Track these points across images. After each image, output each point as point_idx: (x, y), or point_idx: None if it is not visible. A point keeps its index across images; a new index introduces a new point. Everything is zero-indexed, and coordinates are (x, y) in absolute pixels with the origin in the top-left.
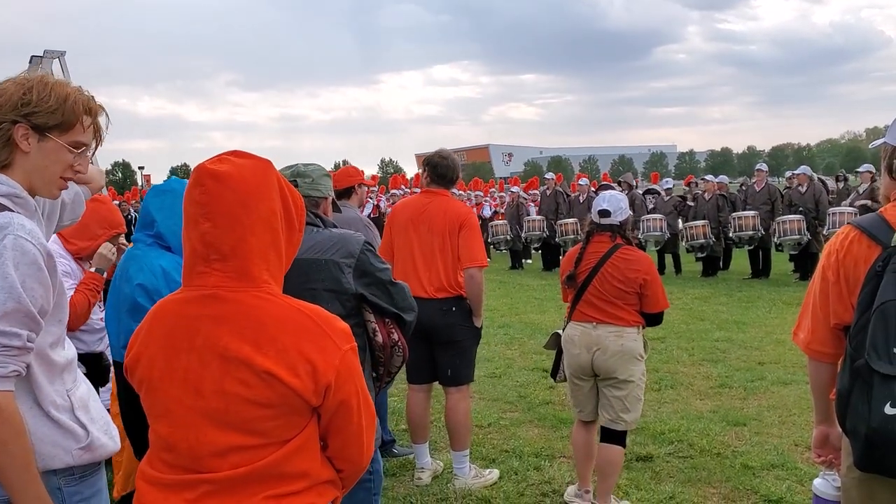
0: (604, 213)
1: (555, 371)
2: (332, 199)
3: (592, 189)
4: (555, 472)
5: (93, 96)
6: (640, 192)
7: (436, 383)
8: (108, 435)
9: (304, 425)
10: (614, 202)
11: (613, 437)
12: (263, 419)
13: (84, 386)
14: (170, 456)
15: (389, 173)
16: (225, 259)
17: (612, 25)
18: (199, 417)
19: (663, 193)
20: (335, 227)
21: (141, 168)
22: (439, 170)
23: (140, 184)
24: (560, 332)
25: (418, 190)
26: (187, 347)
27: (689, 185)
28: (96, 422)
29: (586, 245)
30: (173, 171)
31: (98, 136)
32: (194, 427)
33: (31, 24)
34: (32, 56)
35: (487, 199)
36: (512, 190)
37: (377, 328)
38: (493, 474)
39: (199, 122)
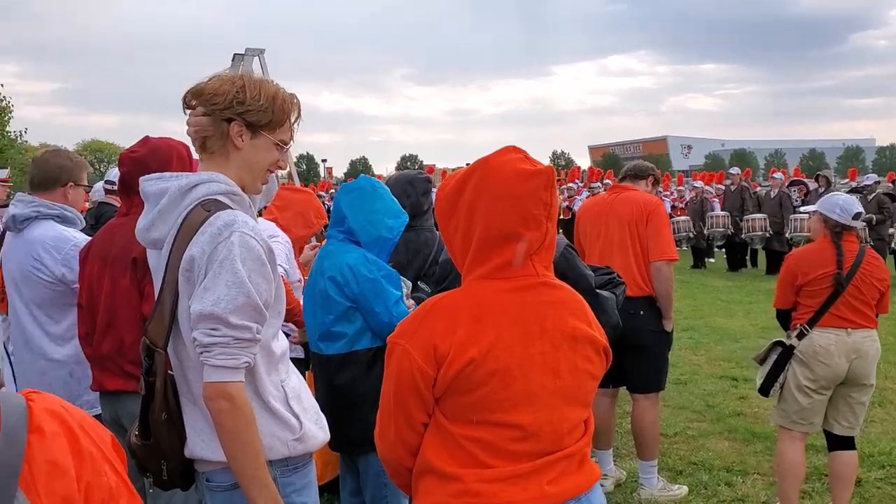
0: (858, 215)
1: (769, 385)
2: None
3: (785, 184)
4: (748, 488)
5: (294, 94)
6: (843, 189)
7: (622, 388)
8: (318, 425)
9: None
10: (855, 203)
11: (845, 443)
12: (593, 391)
13: (295, 377)
14: (527, 445)
15: (561, 166)
16: (541, 252)
17: (801, 11)
18: (558, 398)
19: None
20: None
21: (324, 161)
22: (634, 170)
23: (322, 175)
24: (784, 340)
25: (599, 185)
26: (539, 332)
27: (893, 182)
28: (308, 412)
29: (839, 244)
30: (353, 164)
31: (293, 132)
32: (556, 408)
33: (229, 23)
34: (235, 54)
35: (666, 193)
36: (695, 185)
37: None
38: (682, 490)
39: (376, 116)
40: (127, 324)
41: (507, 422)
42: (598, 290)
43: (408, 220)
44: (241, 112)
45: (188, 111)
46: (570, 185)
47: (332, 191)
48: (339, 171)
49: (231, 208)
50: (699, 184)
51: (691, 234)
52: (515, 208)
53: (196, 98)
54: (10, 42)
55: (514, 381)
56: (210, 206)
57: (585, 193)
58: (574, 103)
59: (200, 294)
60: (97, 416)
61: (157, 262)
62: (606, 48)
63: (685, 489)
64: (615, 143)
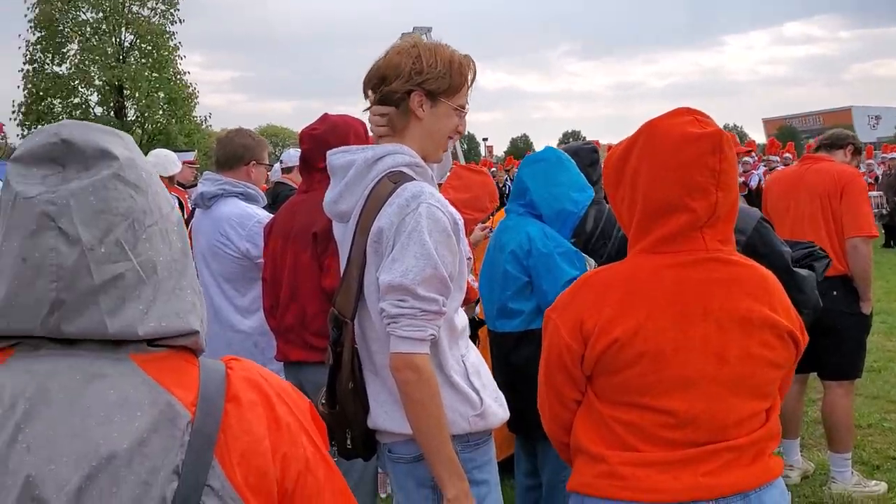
0: None
1: None
2: None
3: None
4: None
5: (469, 56)
6: None
7: (813, 374)
8: (497, 402)
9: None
10: None
11: None
12: (774, 381)
13: (474, 352)
14: (682, 433)
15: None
16: (715, 224)
17: None
18: (723, 386)
19: None
20: None
21: (485, 139)
22: (830, 139)
23: (483, 154)
24: None
25: (777, 159)
26: (702, 314)
27: None
28: (487, 388)
29: None
30: (513, 142)
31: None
32: (719, 398)
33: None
34: (403, 33)
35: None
36: (887, 157)
37: None
38: (880, 487)
39: (537, 93)
40: (308, 297)
41: (658, 407)
42: (794, 269)
43: (593, 193)
44: (420, 82)
45: (370, 96)
46: (746, 159)
47: (493, 169)
48: (500, 150)
49: (414, 179)
50: (894, 155)
51: (884, 211)
52: (678, 175)
53: (376, 83)
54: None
55: (668, 366)
56: (396, 178)
57: (762, 168)
58: (746, 74)
59: (388, 265)
60: None
61: (343, 234)
62: (782, 14)
63: (884, 486)
64: (792, 116)
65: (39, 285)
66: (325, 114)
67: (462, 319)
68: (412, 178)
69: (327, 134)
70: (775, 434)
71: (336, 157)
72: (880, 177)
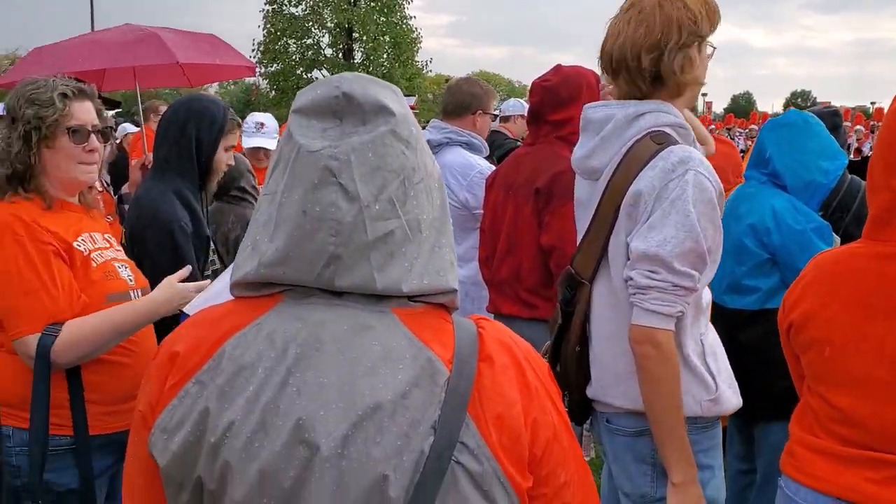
0: None
1: None
2: None
3: None
4: None
5: None
6: None
7: None
8: (732, 389)
9: None
10: None
11: None
12: None
13: (712, 332)
14: (849, 431)
15: None
16: None
17: None
18: (893, 394)
19: None
20: None
21: (704, 94)
22: None
23: (701, 110)
24: None
25: None
26: (886, 311)
27: None
28: (722, 373)
29: None
30: (734, 99)
31: None
32: (890, 403)
33: None
34: None
35: None
36: None
37: None
38: None
39: (764, 48)
40: (526, 251)
41: (829, 399)
42: None
43: (846, 161)
44: (693, 32)
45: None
46: None
47: (712, 126)
48: (719, 107)
49: (678, 142)
50: None
51: None
52: (885, 151)
53: (649, 48)
54: None
55: (836, 359)
56: (661, 139)
57: None
58: None
59: (645, 232)
60: None
61: (588, 192)
62: None
63: None
64: None
65: (319, 238)
66: (559, 65)
67: (707, 296)
68: (676, 141)
69: (559, 86)
70: None
71: (593, 110)
72: None
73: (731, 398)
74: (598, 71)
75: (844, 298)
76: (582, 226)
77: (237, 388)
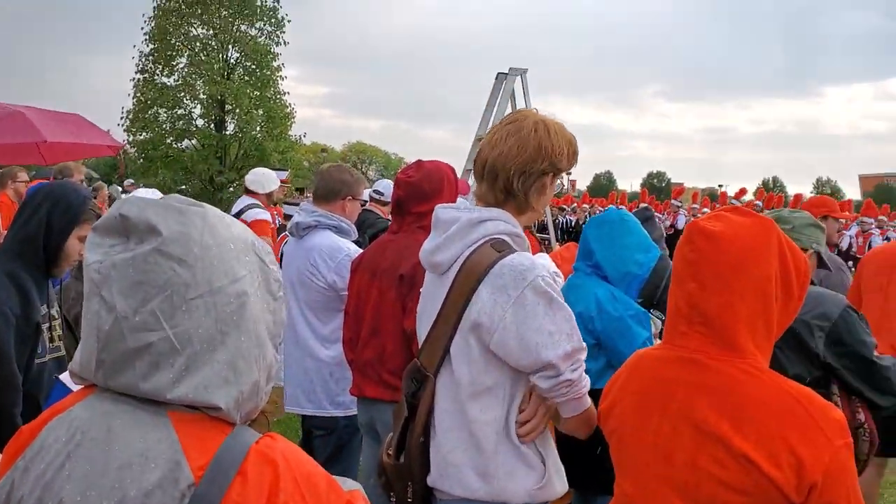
0: None
1: None
2: (817, 253)
3: None
4: None
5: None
6: None
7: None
8: (558, 474)
9: None
10: None
11: None
12: (724, 501)
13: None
14: None
15: (827, 194)
16: (708, 323)
17: None
18: (666, 487)
19: None
20: (815, 283)
21: (569, 174)
22: None
23: (566, 187)
24: None
25: (872, 221)
26: (660, 411)
27: None
28: (550, 457)
29: None
30: (597, 178)
31: None
32: (660, 496)
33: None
34: (498, 73)
35: None
36: None
37: (839, 402)
38: None
39: (624, 131)
40: (389, 334)
41: (620, 484)
42: (875, 359)
43: (659, 252)
44: (550, 167)
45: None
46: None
47: (574, 205)
48: (583, 184)
49: (516, 251)
50: None
51: None
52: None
53: (515, 172)
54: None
55: (625, 449)
56: (501, 248)
57: (855, 228)
58: (846, 128)
59: (547, 339)
60: (353, 417)
61: (434, 287)
62: (886, 69)
63: None
64: (891, 174)
65: (89, 344)
66: (419, 161)
67: None
68: (514, 249)
69: (422, 181)
70: None
71: (443, 210)
72: None
73: (557, 484)
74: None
75: (633, 394)
76: (427, 318)
77: (34, 467)
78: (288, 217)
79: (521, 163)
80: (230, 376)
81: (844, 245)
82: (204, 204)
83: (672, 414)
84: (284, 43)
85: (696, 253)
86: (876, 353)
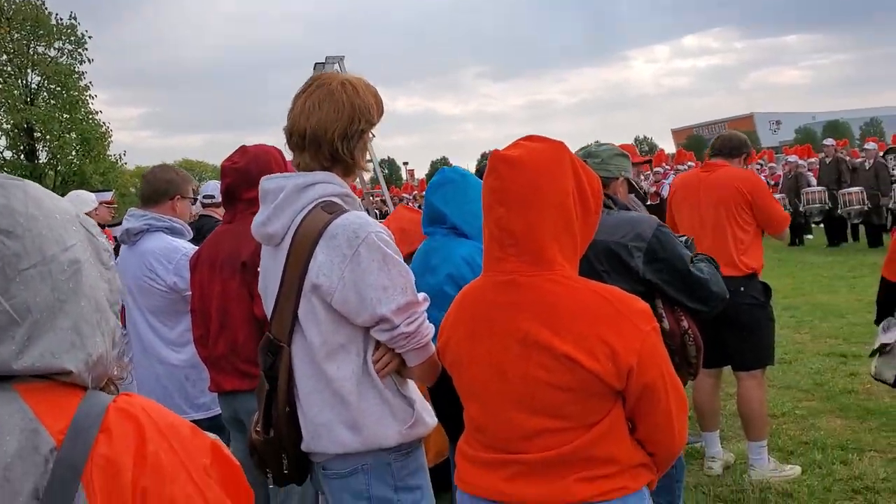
0: None
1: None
2: (627, 180)
3: (880, 153)
4: (865, 466)
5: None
6: None
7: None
8: (426, 410)
9: (609, 409)
10: None
11: None
12: (567, 403)
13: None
14: (482, 436)
15: (645, 151)
16: (519, 244)
17: None
18: (506, 400)
19: None
20: (627, 209)
21: (405, 163)
22: (727, 147)
23: (405, 178)
24: None
25: (687, 166)
26: (489, 333)
27: None
28: (415, 397)
29: None
30: (434, 164)
31: None
32: (503, 410)
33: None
34: (316, 63)
35: (758, 169)
36: (789, 160)
37: (663, 314)
38: (794, 470)
39: (453, 116)
40: (239, 325)
41: (468, 410)
42: (691, 269)
43: None
44: (366, 125)
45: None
46: (657, 168)
47: (415, 192)
48: (421, 173)
49: (347, 210)
50: (794, 158)
51: (782, 237)
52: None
53: (335, 135)
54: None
55: (464, 376)
56: (332, 209)
57: (672, 177)
58: (652, 87)
59: (381, 295)
60: (215, 417)
61: (272, 260)
62: (680, 28)
63: (798, 469)
64: (699, 125)
65: None
66: (243, 146)
67: None
68: (345, 209)
69: (249, 166)
70: (593, 458)
71: (268, 181)
72: (782, 179)
73: (427, 419)
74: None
75: (464, 324)
76: (271, 292)
77: None
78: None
79: (342, 127)
80: (76, 340)
81: (665, 192)
82: (24, 179)
83: (499, 334)
84: (89, 60)
85: (499, 180)
86: (692, 263)
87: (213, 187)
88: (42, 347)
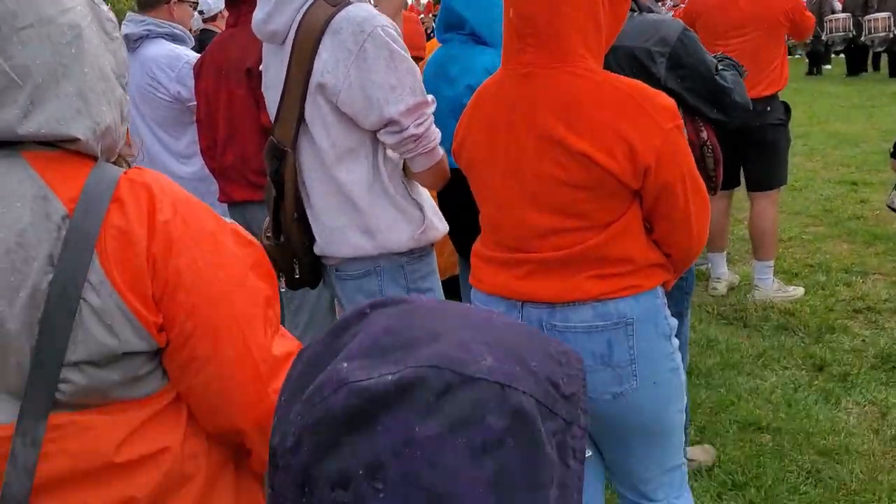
0: None
1: None
2: None
3: None
4: (868, 288)
5: None
6: None
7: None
8: (437, 216)
9: (625, 209)
10: None
11: None
12: (581, 201)
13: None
14: (497, 236)
15: None
16: (538, 33)
17: None
18: (521, 199)
19: None
20: (651, 11)
21: None
22: None
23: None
24: None
25: None
26: (506, 130)
27: None
28: (426, 203)
29: None
30: None
31: None
32: (518, 208)
33: None
34: None
35: None
36: None
37: (682, 124)
38: (797, 291)
39: None
40: (247, 134)
41: (483, 210)
42: (716, 77)
43: None
44: None
45: None
46: None
47: (421, 16)
48: None
49: (353, 2)
50: None
51: (808, 40)
52: None
53: None
54: None
55: (480, 175)
56: (335, 1)
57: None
58: None
59: (388, 94)
60: None
61: (275, 60)
62: None
63: (801, 290)
64: None
65: None
66: None
67: None
68: (349, 1)
69: None
70: (607, 257)
71: None
72: (806, 4)
73: (438, 225)
74: None
75: (481, 123)
76: (274, 94)
77: None
78: None
79: None
80: (81, 107)
81: None
82: None
83: (516, 130)
84: None
85: None
86: (716, 71)
87: (214, 1)
88: (47, 113)
